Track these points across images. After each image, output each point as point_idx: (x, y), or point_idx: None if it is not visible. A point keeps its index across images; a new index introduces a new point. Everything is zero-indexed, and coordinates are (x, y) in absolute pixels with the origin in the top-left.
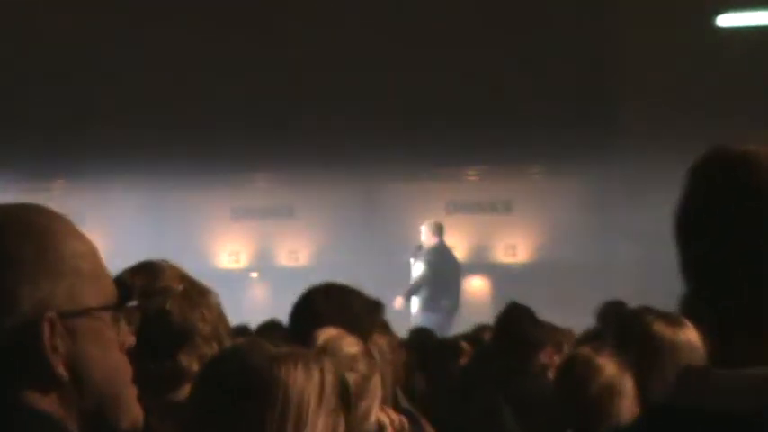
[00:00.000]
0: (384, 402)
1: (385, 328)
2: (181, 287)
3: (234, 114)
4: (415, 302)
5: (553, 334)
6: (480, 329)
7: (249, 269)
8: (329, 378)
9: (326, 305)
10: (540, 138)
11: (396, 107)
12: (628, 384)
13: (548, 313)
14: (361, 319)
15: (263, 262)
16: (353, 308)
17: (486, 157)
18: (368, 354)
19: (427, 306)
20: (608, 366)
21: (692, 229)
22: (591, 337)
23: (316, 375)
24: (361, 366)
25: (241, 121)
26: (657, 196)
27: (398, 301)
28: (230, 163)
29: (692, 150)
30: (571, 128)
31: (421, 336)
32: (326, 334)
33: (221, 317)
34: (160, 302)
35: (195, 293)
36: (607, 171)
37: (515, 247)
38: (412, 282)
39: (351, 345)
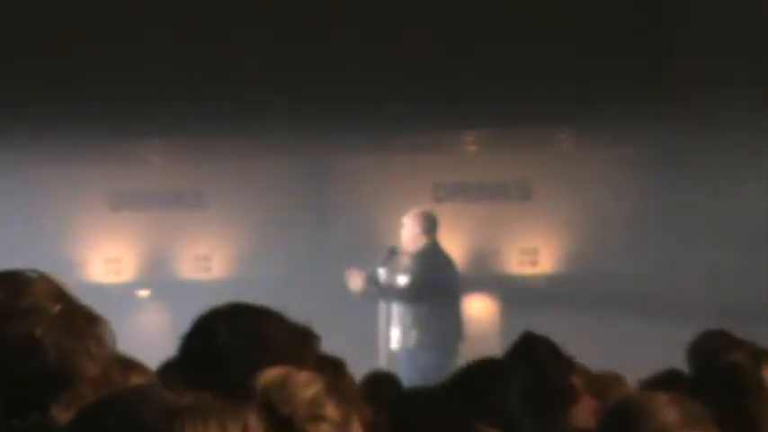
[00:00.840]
0: None
1: (335, 368)
2: (57, 308)
3: (111, 64)
4: (395, 334)
5: (592, 380)
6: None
7: (136, 284)
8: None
9: (230, 336)
10: (569, 93)
11: (355, 40)
12: None
13: (582, 348)
14: (281, 356)
15: (156, 273)
16: (272, 340)
17: (492, 117)
18: (336, 392)
19: (414, 340)
20: (668, 413)
21: None
22: (663, 384)
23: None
24: (330, 411)
25: (126, 70)
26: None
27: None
28: (109, 128)
29: None
30: (614, 81)
31: (382, 385)
32: (268, 375)
33: (115, 354)
34: (26, 328)
35: (79, 318)
36: (667, 142)
37: (535, 250)
38: (386, 302)
39: (307, 384)
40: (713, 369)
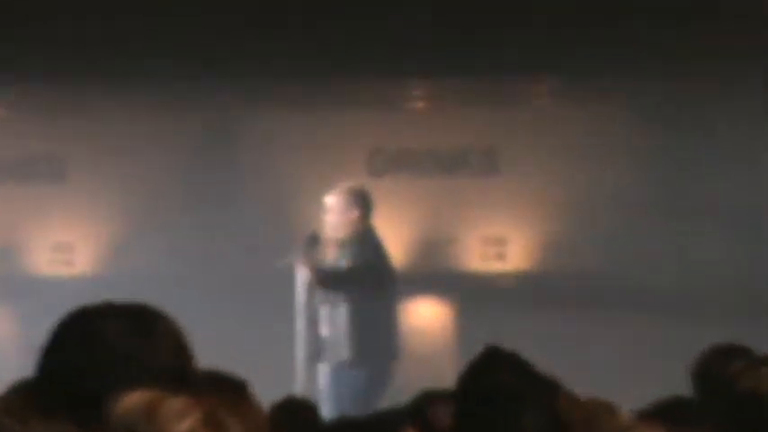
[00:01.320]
0: None
1: (233, 391)
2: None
3: None
4: (315, 347)
5: (578, 410)
6: (427, 399)
7: None
8: None
9: (87, 348)
10: (547, 34)
11: None
12: None
13: (561, 361)
14: (152, 375)
15: (2, 267)
16: (141, 354)
17: (447, 64)
18: (215, 424)
19: (339, 354)
20: None
21: None
22: (664, 415)
23: None
24: None
25: None
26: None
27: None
28: None
29: None
30: (605, 19)
31: (296, 414)
32: (130, 401)
33: None
34: None
35: None
36: (669, 99)
37: (502, 240)
38: (304, 307)
39: (181, 414)
40: (726, 395)
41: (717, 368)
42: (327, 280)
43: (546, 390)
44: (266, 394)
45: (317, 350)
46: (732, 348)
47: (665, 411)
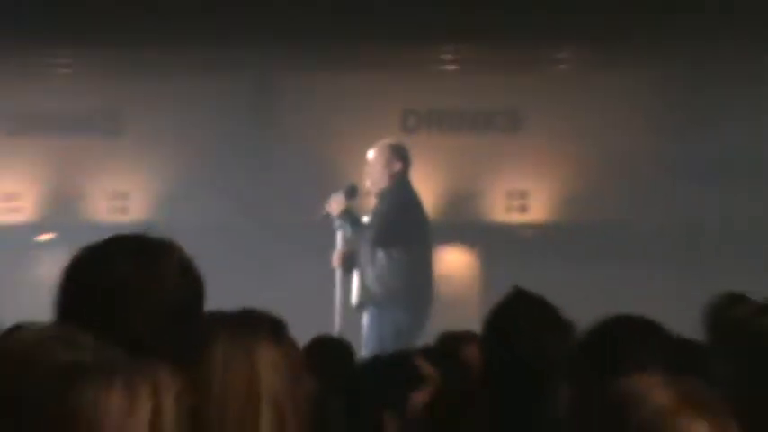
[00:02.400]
0: None
1: (272, 329)
2: None
3: None
4: (354, 289)
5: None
6: (455, 339)
7: (38, 226)
8: (169, 406)
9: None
10: (570, 2)
11: None
12: None
13: (579, 311)
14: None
15: (63, 215)
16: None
17: (476, 31)
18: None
19: (376, 296)
20: (663, 396)
21: None
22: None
23: (145, 402)
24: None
25: None
26: None
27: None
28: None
29: None
30: None
31: (330, 352)
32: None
33: None
34: None
35: None
36: (688, 66)
37: (525, 194)
38: (344, 251)
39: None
40: (738, 335)
41: (726, 313)
42: (368, 228)
43: (568, 325)
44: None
45: (358, 296)
46: (739, 296)
47: (676, 357)
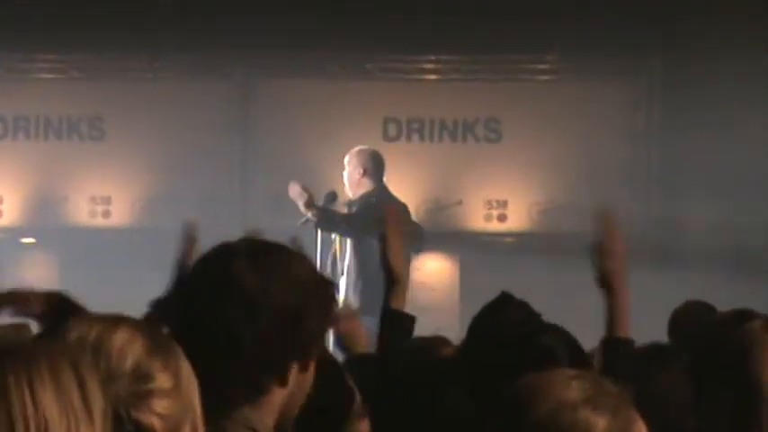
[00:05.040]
0: None
1: None
2: None
3: None
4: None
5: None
6: (427, 344)
7: (18, 231)
8: (92, 387)
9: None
10: (551, 11)
11: None
12: None
13: (558, 319)
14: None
15: (43, 218)
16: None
17: (457, 39)
18: (171, 371)
19: (352, 303)
20: (568, 390)
21: None
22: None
23: (70, 383)
24: (164, 404)
25: None
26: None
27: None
28: None
29: None
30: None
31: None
32: (82, 325)
33: None
34: None
35: None
36: (667, 74)
37: (505, 203)
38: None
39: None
40: (696, 332)
41: (683, 324)
42: (338, 222)
43: (555, 329)
44: None
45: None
46: (702, 303)
47: (643, 353)
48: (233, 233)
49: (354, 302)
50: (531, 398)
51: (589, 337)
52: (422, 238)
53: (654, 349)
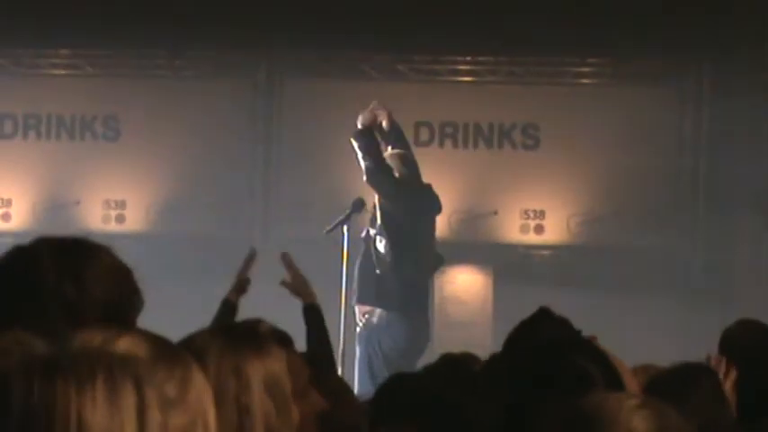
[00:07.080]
0: None
1: (281, 344)
2: None
3: None
4: (356, 307)
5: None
6: (456, 360)
7: (28, 236)
8: (151, 398)
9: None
10: (592, 15)
11: None
12: None
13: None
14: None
15: (54, 222)
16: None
17: (494, 42)
18: (176, 380)
19: (379, 316)
20: (634, 420)
21: None
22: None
23: (128, 397)
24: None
25: None
26: None
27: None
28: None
29: None
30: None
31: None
32: (88, 336)
33: None
34: None
35: None
36: (713, 79)
37: (542, 213)
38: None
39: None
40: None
41: (735, 341)
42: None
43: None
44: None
45: (359, 311)
46: (755, 322)
47: (664, 382)
48: (254, 241)
49: (392, 303)
50: (597, 425)
51: (630, 356)
52: (441, 264)
53: (684, 368)
